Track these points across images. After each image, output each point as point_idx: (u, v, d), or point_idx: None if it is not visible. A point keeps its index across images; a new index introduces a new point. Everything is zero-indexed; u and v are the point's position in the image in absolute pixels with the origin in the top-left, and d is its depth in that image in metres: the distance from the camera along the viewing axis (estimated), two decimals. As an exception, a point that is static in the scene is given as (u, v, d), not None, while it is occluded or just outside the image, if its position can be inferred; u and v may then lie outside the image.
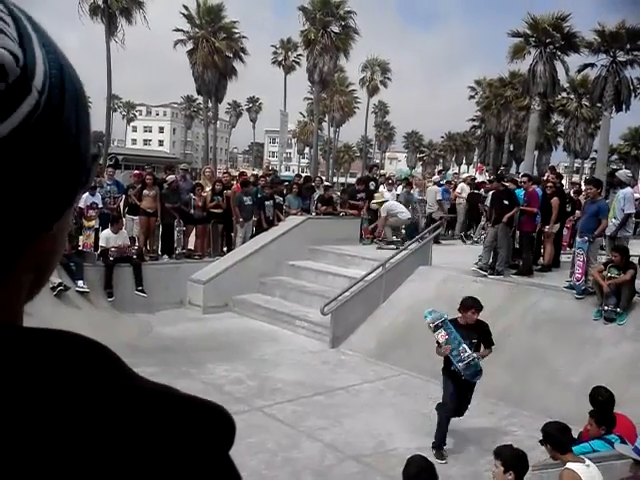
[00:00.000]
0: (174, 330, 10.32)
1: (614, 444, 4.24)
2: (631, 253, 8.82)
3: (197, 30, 42.85)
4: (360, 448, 6.33)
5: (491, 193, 11.87)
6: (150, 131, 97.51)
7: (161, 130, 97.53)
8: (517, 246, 11.05)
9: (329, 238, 13.01)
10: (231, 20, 43.97)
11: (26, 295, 0.56)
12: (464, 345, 6.17)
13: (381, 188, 15.07)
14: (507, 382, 7.99)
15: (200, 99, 55.51)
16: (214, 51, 41.88)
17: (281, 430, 6.67)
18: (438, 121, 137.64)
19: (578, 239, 9.78)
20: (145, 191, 11.98)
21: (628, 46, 34.06)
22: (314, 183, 15.55)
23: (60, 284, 9.91)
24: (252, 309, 11.42)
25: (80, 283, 10.37)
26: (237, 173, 17.94)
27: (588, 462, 3.82)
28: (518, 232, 10.91)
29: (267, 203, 13.36)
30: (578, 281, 9.14)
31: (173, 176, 13.01)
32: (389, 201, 14.07)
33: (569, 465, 3.76)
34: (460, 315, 6.40)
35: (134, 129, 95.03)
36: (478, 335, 6.37)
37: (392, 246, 12.77)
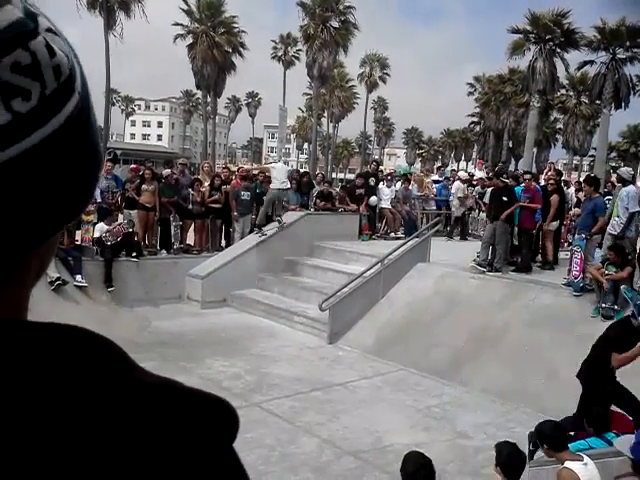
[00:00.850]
0: (172, 325, 10.32)
1: (613, 442, 4.25)
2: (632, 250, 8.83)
3: (197, 25, 42.78)
4: (358, 444, 6.34)
5: (490, 189, 11.86)
6: (149, 126, 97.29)
7: (160, 125, 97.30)
8: (516, 243, 11.06)
9: (328, 234, 13.01)
10: (231, 15, 43.93)
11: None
12: None
13: (380, 184, 15.06)
14: (505, 378, 8.01)
15: (199, 94, 55.43)
16: (213, 46, 41.82)
17: (279, 425, 6.67)
18: (437, 117, 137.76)
19: (576, 236, 9.80)
20: (144, 186, 11.96)
21: (628, 43, 34.08)
22: (315, 180, 15.53)
23: (58, 278, 9.91)
24: (250, 304, 11.42)
25: (78, 277, 10.36)
26: (236, 168, 17.92)
27: (586, 460, 3.82)
28: (517, 229, 10.91)
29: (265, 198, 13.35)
30: (576, 278, 9.15)
31: (168, 170, 13.01)
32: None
33: (567, 464, 3.77)
34: None
35: (133, 123, 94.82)
36: None
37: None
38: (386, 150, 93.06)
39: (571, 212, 13.74)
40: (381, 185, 14.99)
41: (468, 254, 11.23)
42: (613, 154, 62.17)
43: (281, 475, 5.64)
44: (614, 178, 12.56)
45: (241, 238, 12.93)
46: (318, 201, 14.07)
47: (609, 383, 5.57)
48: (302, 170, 21.72)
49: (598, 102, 37.35)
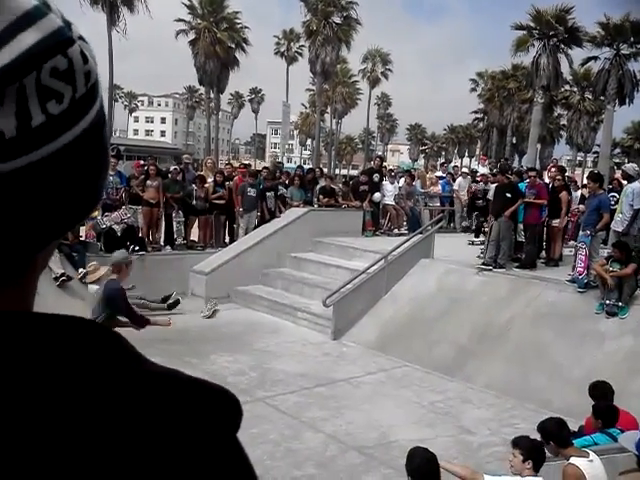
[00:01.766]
0: (176, 321, 10.32)
1: (618, 437, 4.25)
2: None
3: (199, 20, 42.71)
4: (362, 439, 6.36)
5: (494, 186, 11.85)
6: (152, 122, 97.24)
7: (163, 121, 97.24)
8: (520, 239, 11.05)
9: (331, 230, 13.00)
10: (233, 10, 43.86)
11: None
12: None
13: (384, 180, 15.04)
14: (509, 375, 8.03)
15: (202, 90, 55.37)
16: (216, 41, 41.78)
17: (283, 421, 6.69)
18: (441, 113, 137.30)
19: (580, 233, 9.78)
20: (148, 182, 11.98)
21: (632, 39, 33.90)
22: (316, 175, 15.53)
23: (63, 274, 9.93)
24: (254, 300, 11.44)
25: (81, 269, 10.42)
26: (237, 165, 17.93)
27: (592, 456, 3.83)
28: (522, 225, 10.88)
29: (268, 194, 13.37)
30: (580, 275, 9.15)
31: (176, 167, 13.03)
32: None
33: (572, 460, 3.77)
34: None
35: (136, 119, 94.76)
36: None
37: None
38: (389, 146, 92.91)
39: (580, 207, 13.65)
40: (384, 181, 14.98)
41: (472, 250, 11.23)
42: (617, 150, 61.96)
43: (286, 470, 5.66)
44: (619, 175, 12.53)
45: (245, 234, 12.95)
46: (321, 197, 14.07)
47: None
48: (307, 167, 21.71)
49: (602, 98, 37.20)
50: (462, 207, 16.18)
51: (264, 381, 7.90)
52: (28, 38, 0.47)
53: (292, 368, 8.40)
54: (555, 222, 10.96)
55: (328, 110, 62.48)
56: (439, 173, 17.99)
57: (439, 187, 16.45)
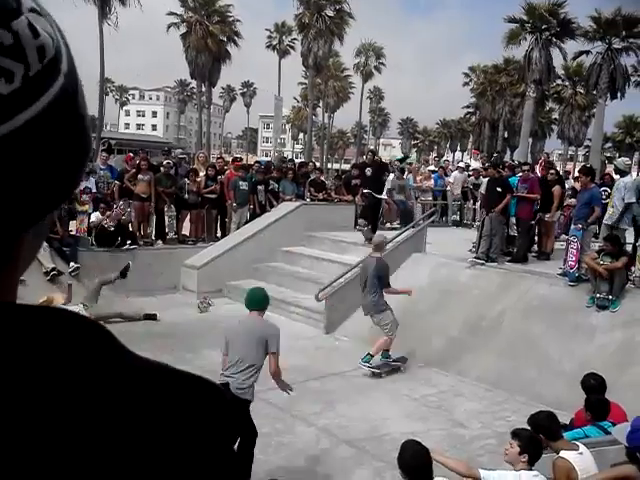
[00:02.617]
0: (168, 315, 10.31)
1: (611, 430, 4.26)
2: (627, 241, 8.85)
3: (191, 14, 42.47)
4: (354, 433, 6.37)
5: (486, 180, 11.86)
6: (143, 115, 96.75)
7: (154, 114, 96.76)
8: (512, 233, 11.08)
9: (324, 224, 12.99)
10: (225, 4, 43.62)
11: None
12: None
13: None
14: (500, 368, 8.06)
15: (194, 83, 55.13)
16: (208, 35, 41.58)
17: (275, 415, 6.69)
18: (433, 108, 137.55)
19: (572, 227, 9.81)
20: (140, 176, 11.92)
21: (623, 33, 34.02)
22: (307, 168, 15.49)
23: (54, 269, 9.89)
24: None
25: (72, 263, 10.37)
26: (230, 159, 17.87)
27: (582, 449, 3.84)
28: (515, 219, 10.90)
29: (259, 187, 13.34)
30: (571, 268, 9.18)
31: (168, 161, 12.96)
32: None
33: (562, 453, 3.79)
34: None
35: (127, 113, 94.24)
36: None
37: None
38: (381, 140, 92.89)
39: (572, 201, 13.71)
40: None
41: (464, 244, 11.24)
42: (608, 145, 62.25)
43: (278, 464, 5.67)
44: (610, 169, 12.56)
45: (237, 228, 12.91)
46: (313, 190, 14.05)
47: None
48: (298, 160, 21.67)
49: (594, 92, 37.34)
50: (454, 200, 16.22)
51: (256, 375, 7.88)
52: None
53: (284, 362, 8.36)
54: (547, 216, 11.00)
55: (320, 104, 62.39)
56: (431, 167, 18.00)
57: (432, 181, 16.46)
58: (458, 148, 79.50)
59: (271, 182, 13.72)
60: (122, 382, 0.49)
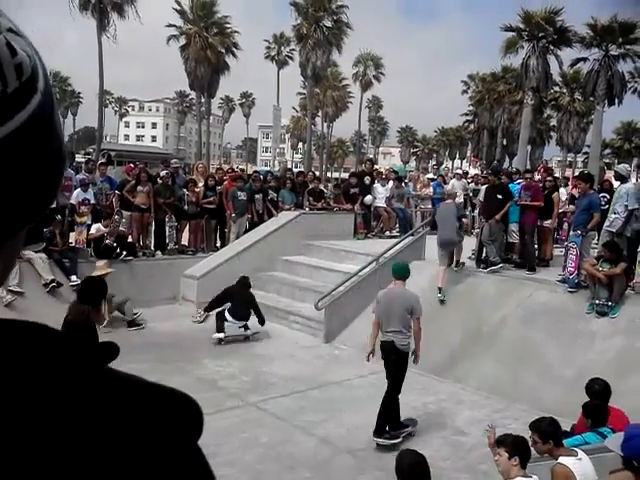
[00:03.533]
0: (168, 326, 10.30)
1: (605, 441, 4.24)
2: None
3: (190, 25, 42.66)
4: (354, 442, 6.34)
5: (485, 187, 11.88)
6: (143, 127, 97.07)
7: (154, 126, 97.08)
8: (511, 240, 11.07)
9: (323, 233, 13.00)
10: (224, 15, 43.84)
11: None
12: None
13: (375, 183, 15.05)
14: (500, 375, 8.04)
15: (193, 94, 55.29)
16: (207, 46, 41.72)
17: (275, 425, 6.67)
18: (432, 116, 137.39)
19: (571, 233, 9.81)
20: (139, 187, 11.93)
21: (620, 40, 34.12)
22: (307, 178, 15.52)
23: (53, 280, 9.89)
24: (246, 304, 11.38)
25: (73, 277, 10.34)
26: (227, 168, 17.90)
27: (581, 455, 3.83)
28: (516, 226, 10.83)
29: (257, 197, 13.36)
30: (571, 275, 9.17)
31: (166, 171, 12.98)
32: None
33: (561, 460, 3.77)
34: None
35: (126, 125, 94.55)
36: None
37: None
38: (381, 149, 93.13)
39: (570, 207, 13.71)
40: (376, 184, 15.00)
41: (464, 252, 11.21)
42: (607, 151, 62.32)
43: (278, 474, 5.64)
44: (610, 176, 12.55)
45: (236, 238, 12.92)
46: (312, 199, 14.08)
47: None
48: (297, 170, 21.70)
49: (591, 99, 37.38)
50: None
51: (256, 385, 7.87)
52: None
53: (284, 371, 8.37)
54: (547, 223, 11.00)
55: (319, 113, 62.55)
56: (430, 175, 18.03)
57: (430, 189, 16.49)
58: (457, 156, 79.61)
59: (270, 192, 13.74)
60: (96, 395, 0.50)
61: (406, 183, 16.54)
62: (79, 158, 22.37)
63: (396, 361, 6.43)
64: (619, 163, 20.37)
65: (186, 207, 12.57)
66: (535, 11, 34.74)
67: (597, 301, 8.43)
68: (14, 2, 0.48)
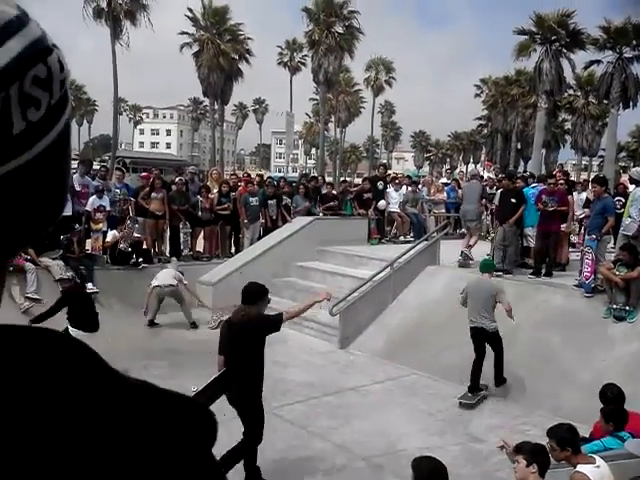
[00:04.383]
0: (184, 332, 10.35)
1: (624, 444, 4.20)
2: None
3: (202, 32, 42.96)
4: (370, 448, 6.32)
5: (499, 191, 11.83)
6: (157, 134, 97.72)
7: (168, 133, 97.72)
8: (526, 244, 11.00)
9: (337, 239, 13.00)
10: (236, 22, 44.10)
11: None
12: None
13: (389, 188, 15.04)
14: (517, 381, 7.97)
15: (207, 101, 55.60)
16: (219, 53, 41.97)
17: (291, 431, 6.67)
18: (445, 120, 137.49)
19: (586, 237, 9.73)
20: (153, 194, 12.03)
21: (634, 42, 33.87)
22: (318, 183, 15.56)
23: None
24: (261, 310, 11.40)
25: (89, 285, 10.42)
26: (242, 174, 17.99)
27: (599, 462, 3.78)
28: (529, 229, 10.75)
29: (270, 202, 13.40)
30: (587, 279, 9.09)
31: (180, 178, 13.07)
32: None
33: (579, 467, 3.73)
34: None
35: (141, 132, 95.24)
36: None
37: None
38: (394, 154, 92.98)
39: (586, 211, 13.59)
40: (389, 189, 14.99)
41: (478, 257, 11.15)
42: (622, 154, 61.80)
43: (294, 480, 5.64)
44: (625, 179, 12.43)
45: (251, 244, 12.96)
46: (321, 205, 14.13)
47: None
48: (311, 175, 21.74)
49: (606, 102, 37.15)
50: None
51: (271, 391, 7.83)
52: (15, 46, 0.47)
53: (299, 378, 8.37)
54: (562, 226, 10.91)
55: (332, 119, 62.61)
56: (444, 180, 17.98)
57: (444, 194, 16.44)
58: (471, 160, 79.28)
59: (284, 197, 13.78)
60: (109, 402, 0.50)
61: (419, 188, 16.51)
62: (95, 165, 22.55)
63: (492, 343, 7.66)
64: (634, 166, 20.20)
65: (200, 213, 12.64)
66: (547, 14, 34.61)
67: (614, 305, 8.35)
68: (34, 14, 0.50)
